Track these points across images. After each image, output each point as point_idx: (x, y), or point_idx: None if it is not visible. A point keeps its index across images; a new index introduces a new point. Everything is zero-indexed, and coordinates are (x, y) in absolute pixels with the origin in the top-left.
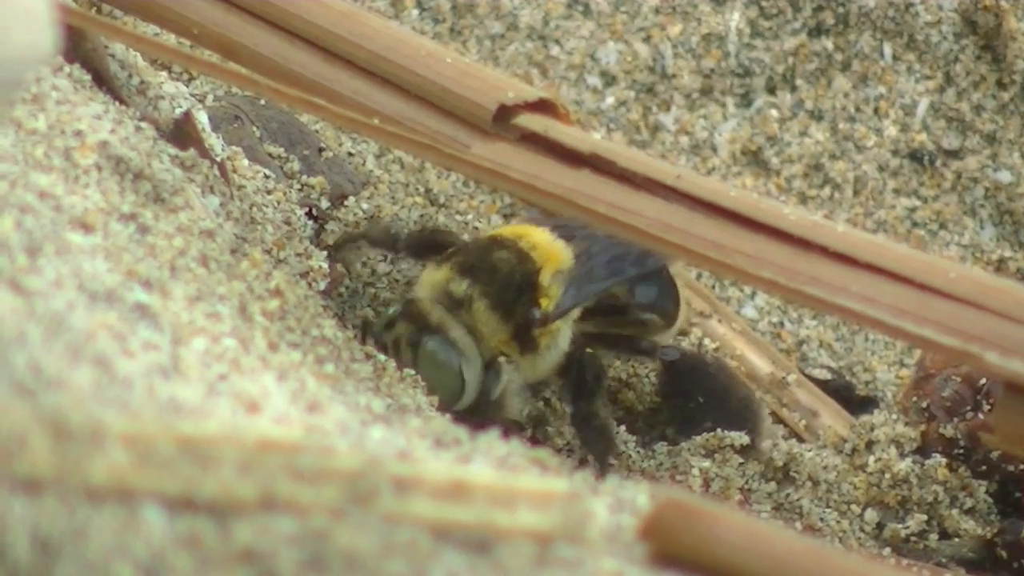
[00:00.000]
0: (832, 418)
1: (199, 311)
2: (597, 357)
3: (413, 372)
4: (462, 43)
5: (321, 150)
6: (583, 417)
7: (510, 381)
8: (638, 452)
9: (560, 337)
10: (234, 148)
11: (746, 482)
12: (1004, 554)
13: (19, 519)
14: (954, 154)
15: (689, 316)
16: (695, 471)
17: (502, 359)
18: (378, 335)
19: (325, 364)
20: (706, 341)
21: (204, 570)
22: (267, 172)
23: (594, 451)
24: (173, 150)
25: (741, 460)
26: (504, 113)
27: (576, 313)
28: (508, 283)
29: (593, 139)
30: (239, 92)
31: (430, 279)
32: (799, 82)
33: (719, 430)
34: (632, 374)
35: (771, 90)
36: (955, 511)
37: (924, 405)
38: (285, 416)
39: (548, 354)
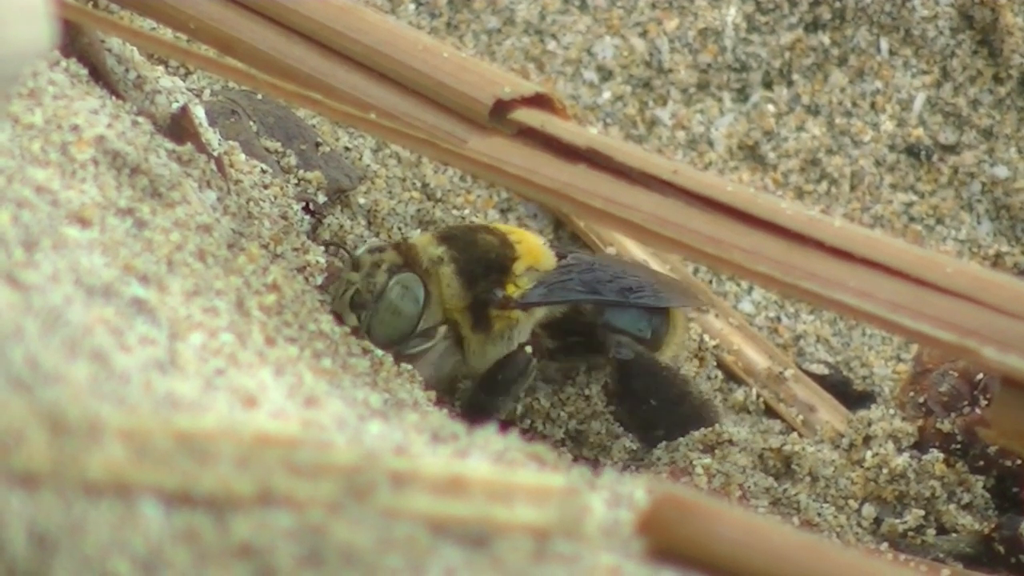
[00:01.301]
0: (829, 413)
1: (196, 306)
2: (529, 358)
3: (371, 298)
4: (459, 38)
5: (318, 145)
6: (476, 407)
7: (436, 350)
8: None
9: (516, 330)
10: (231, 143)
11: (746, 478)
12: (1001, 549)
13: (16, 514)
14: (951, 149)
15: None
16: (698, 469)
17: (443, 328)
18: (357, 259)
19: (322, 359)
20: (704, 337)
21: (202, 565)
22: (264, 167)
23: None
24: (170, 145)
25: (740, 455)
26: (501, 108)
27: (539, 315)
28: (481, 258)
29: (590, 134)
30: (236, 87)
31: (415, 239)
32: (796, 77)
33: (717, 425)
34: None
35: (768, 85)
36: (952, 506)
37: (921, 400)
38: (282, 411)
39: (500, 343)
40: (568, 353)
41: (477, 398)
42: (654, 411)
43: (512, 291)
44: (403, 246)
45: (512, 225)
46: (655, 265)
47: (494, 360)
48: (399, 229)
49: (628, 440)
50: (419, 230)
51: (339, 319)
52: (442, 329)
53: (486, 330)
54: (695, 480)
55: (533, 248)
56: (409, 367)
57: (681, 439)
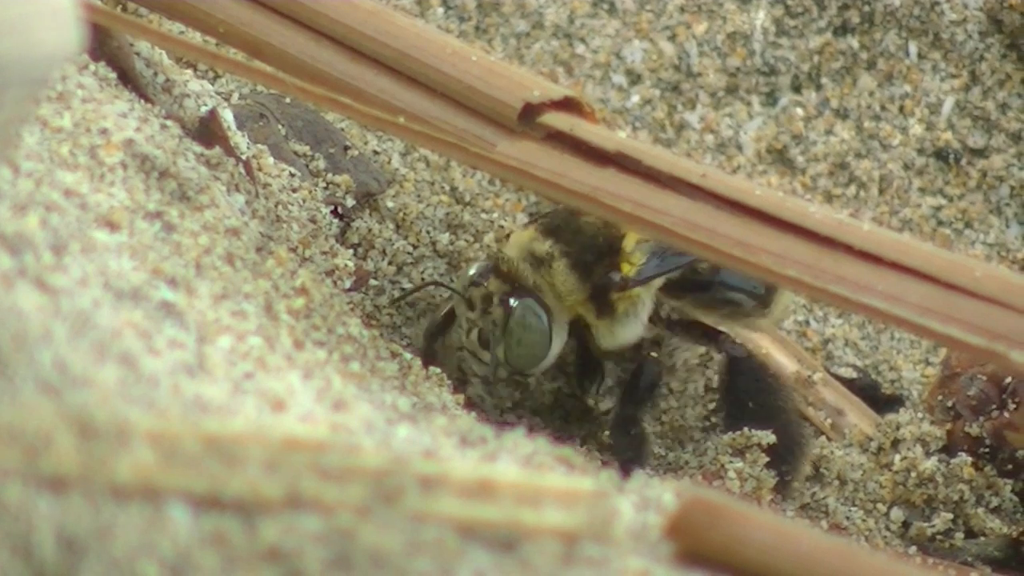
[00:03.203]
0: (858, 417)
1: (225, 309)
2: (659, 363)
3: (498, 332)
4: (488, 41)
5: (347, 148)
6: (624, 421)
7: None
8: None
9: (639, 306)
10: (259, 146)
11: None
12: None
13: (45, 517)
14: (979, 153)
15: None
16: (731, 472)
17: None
18: (463, 290)
19: (351, 362)
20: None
21: (230, 569)
22: (292, 170)
23: (624, 457)
24: (198, 148)
25: (769, 460)
26: (529, 111)
27: (658, 283)
28: (590, 245)
29: (618, 137)
30: (264, 90)
31: (517, 239)
32: (824, 80)
33: (746, 428)
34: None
35: (796, 88)
36: (981, 510)
37: (950, 404)
38: (311, 414)
39: (627, 322)
40: (686, 334)
41: (625, 412)
42: (750, 413)
43: (627, 270)
44: (502, 264)
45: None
46: None
47: (625, 341)
48: (427, 232)
49: (657, 445)
50: (521, 224)
51: (368, 322)
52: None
53: (611, 314)
54: (727, 484)
55: None
56: (438, 370)
57: (710, 443)
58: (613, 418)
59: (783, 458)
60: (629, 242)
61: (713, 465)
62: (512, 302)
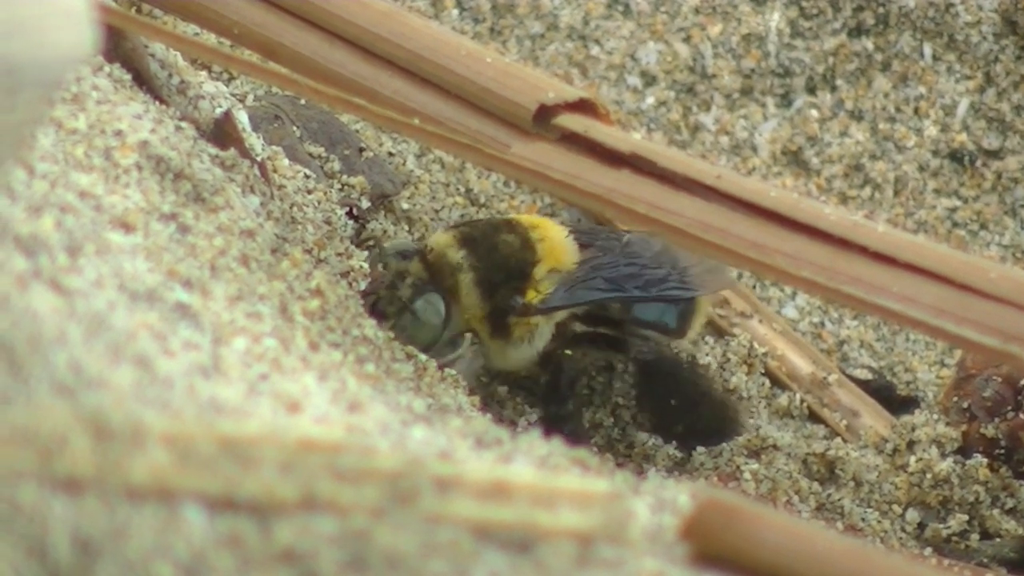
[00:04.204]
0: (873, 418)
1: (240, 311)
2: (575, 359)
3: (392, 308)
4: (502, 43)
5: (361, 150)
6: (554, 421)
7: (463, 358)
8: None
9: (536, 335)
10: (274, 148)
11: (793, 484)
12: None
13: (60, 519)
14: (994, 154)
15: (703, 327)
16: (746, 474)
17: (468, 335)
18: (385, 256)
19: (366, 364)
20: (754, 344)
21: (245, 570)
22: (307, 172)
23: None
24: (213, 150)
25: (786, 461)
26: (544, 113)
27: (561, 315)
28: (501, 264)
29: (633, 139)
30: (279, 92)
31: (437, 240)
32: (839, 82)
33: (760, 430)
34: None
35: (811, 90)
36: (996, 511)
37: (965, 405)
38: (326, 416)
39: (521, 347)
40: (592, 346)
41: (551, 413)
42: (674, 411)
43: (532, 297)
44: (430, 255)
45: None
46: None
47: (518, 363)
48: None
49: (672, 447)
50: (444, 226)
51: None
52: (468, 337)
53: (505, 336)
54: (743, 486)
55: (555, 246)
56: (453, 372)
57: (725, 444)
58: (543, 421)
59: (723, 436)
60: (541, 270)
61: (728, 467)
62: (423, 293)
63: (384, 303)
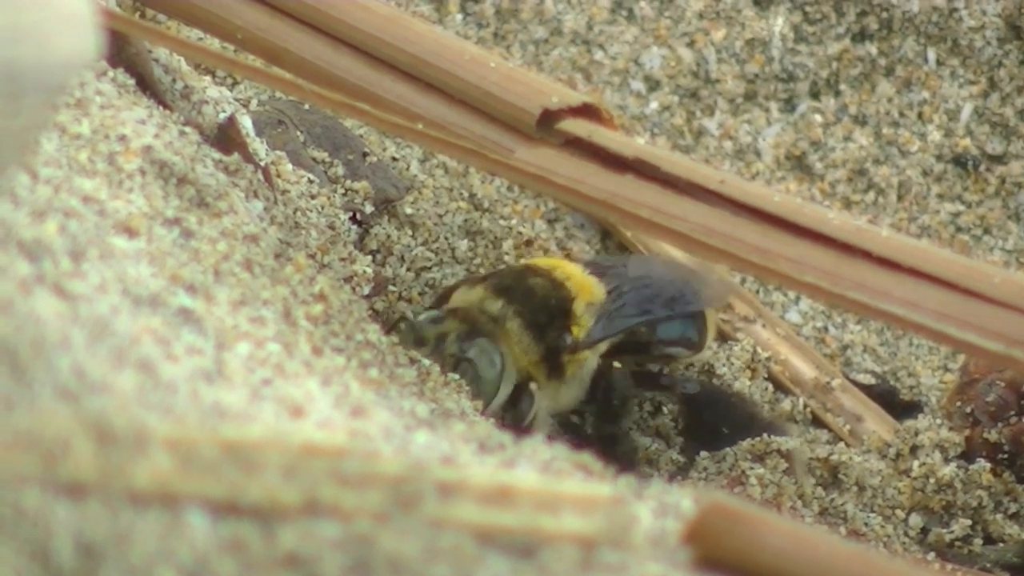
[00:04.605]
0: (876, 423)
1: (243, 316)
2: (625, 376)
3: (454, 375)
4: (506, 48)
5: (365, 155)
6: (608, 439)
7: (540, 408)
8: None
9: (585, 368)
10: (278, 153)
11: (798, 488)
12: None
13: (63, 523)
14: (998, 159)
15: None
16: (752, 479)
17: (534, 385)
18: (420, 329)
19: (369, 369)
20: (758, 349)
21: (248, 575)
22: (311, 177)
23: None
24: (217, 155)
25: (788, 466)
26: (548, 118)
27: (604, 347)
28: (543, 306)
29: (637, 144)
30: (283, 97)
31: (463, 298)
32: (843, 87)
33: (765, 435)
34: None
35: (815, 95)
36: (999, 516)
37: (968, 410)
38: (329, 421)
39: (572, 384)
40: (639, 384)
41: (605, 431)
42: (727, 439)
43: (577, 332)
44: (460, 311)
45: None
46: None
47: (568, 402)
48: (446, 239)
49: (675, 452)
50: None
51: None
52: (534, 386)
53: (560, 376)
54: (749, 490)
55: (582, 282)
56: (456, 376)
57: (729, 449)
58: (597, 440)
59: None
60: (579, 305)
61: (734, 471)
62: (472, 341)
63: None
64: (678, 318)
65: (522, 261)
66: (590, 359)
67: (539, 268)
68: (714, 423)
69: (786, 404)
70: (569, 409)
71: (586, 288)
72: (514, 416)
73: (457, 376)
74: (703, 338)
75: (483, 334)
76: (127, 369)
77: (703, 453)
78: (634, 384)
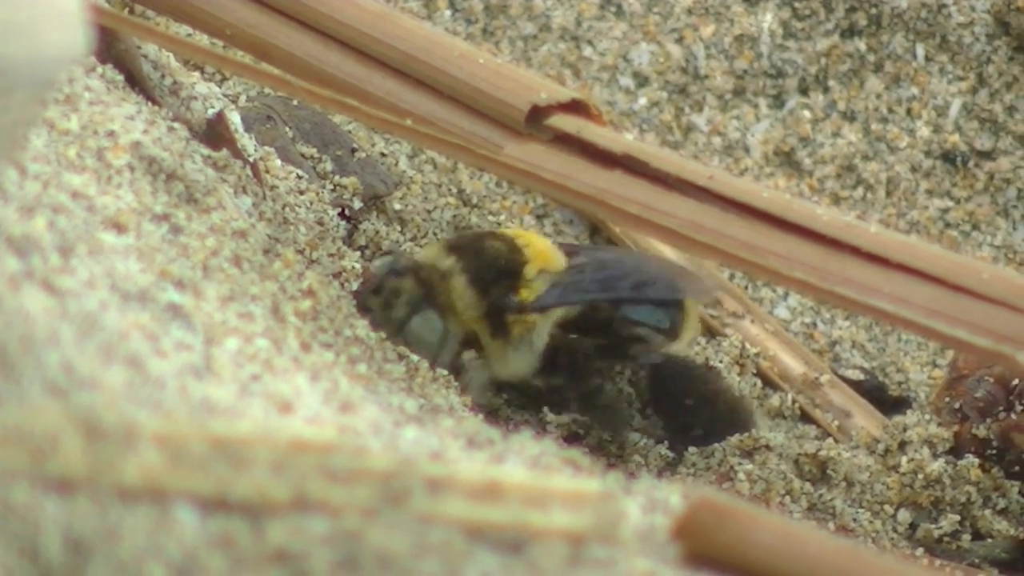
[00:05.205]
0: (865, 419)
1: (232, 311)
2: (580, 340)
3: (390, 328)
4: (495, 44)
5: (354, 151)
6: (586, 396)
7: (474, 377)
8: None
9: (535, 335)
10: (267, 148)
11: (786, 484)
12: None
13: (52, 519)
14: (987, 155)
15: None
16: (740, 475)
17: (468, 354)
18: (378, 277)
19: (358, 364)
20: (746, 345)
21: (237, 570)
22: (300, 172)
23: (608, 428)
24: (206, 150)
25: (778, 461)
26: (537, 114)
27: (557, 315)
28: (491, 265)
29: (626, 140)
30: (272, 93)
31: (427, 253)
32: (832, 83)
33: (754, 431)
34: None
35: (804, 91)
36: (988, 512)
37: (957, 406)
38: (318, 416)
39: (521, 349)
40: (601, 357)
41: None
42: (690, 411)
43: (526, 295)
44: (423, 271)
45: (535, 230)
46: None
47: (520, 369)
48: (434, 234)
49: (664, 448)
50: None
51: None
52: (469, 356)
53: (505, 336)
54: (737, 486)
55: (542, 251)
56: (444, 372)
57: (717, 444)
58: (576, 403)
59: (738, 426)
60: (531, 270)
61: (722, 467)
62: (419, 312)
63: (381, 322)
64: (646, 302)
65: (487, 230)
66: (540, 324)
67: (501, 234)
68: (678, 395)
69: (775, 400)
70: (523, 376)
71: (543, 256)
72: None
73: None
74: (677, 327)
75: (431, 302)
76: (116, 365)
77: (692, 448)
78: (597, 356)
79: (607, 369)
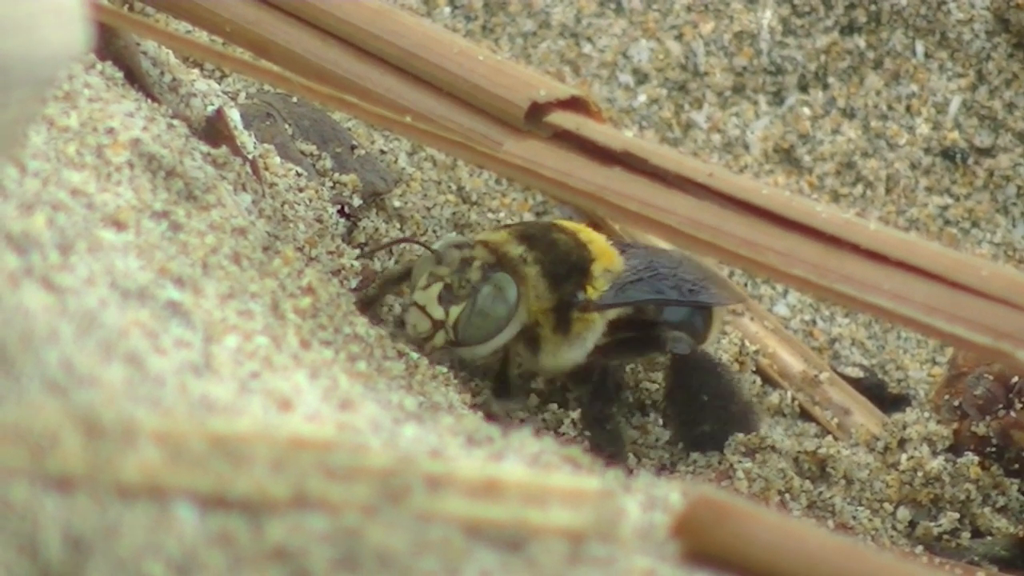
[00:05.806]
0: (864, 416)
1: (231, 309)
2: (621, 368)
3: (464, 292)
4: (494, 41)
5: (353, 148)
6: (598, 418)
7: (519, 366)
8: (671, 451)
9: (590, 332)
10: (266, 146)
11: (785, 482)
12: None
13: (51, 516)
14: (986, 152)
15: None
16: (739, 473)
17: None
18: (441, 254)
19: (357, 362)
20: (745, 342)
21: (236, 568)
22: (299, 170)
23: (608, 447)
24: (205, 147)
25: (778, 459)
26: (536, 111)
27: (612, 315)
28: (563, 259)
29: (625, 137)
30: (271, 89)
31: (489, 236)
32: (831, 80)
33: (758, 431)
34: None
35: (803, 88)
36: (987, 509)
37: (956, 403)
38: (317, 414)
39: (575, 344)
40: (624, 350)
41: (596, 409)
42: (704, 407)
43: (591, 293)
44: (490, 243)
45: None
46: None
47: (564, 365)
48: (434, 232)
49: (662, 448)
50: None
51: (374, 321)
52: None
53: (566, 332)
54: (736, 484)
55: (604, 249)
56: (444, 369)
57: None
58: (585, 417)
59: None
60: (598, 267)
61: (722, 465)
62: (494, 273)
63: (453, 289)
64: (687, 305)
65: (547, 219)
66: (597, 322)
67: (564, 227)
68: (696, 389)
69: (774, 397)
70: (563, 372)
71: (607, 255)
72: (494, 391)
73: (471, 299)
74: (707, 331)
75: (506, 269)
76: (115, 362)
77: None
78: (628, 350)
79: (623, 389)
